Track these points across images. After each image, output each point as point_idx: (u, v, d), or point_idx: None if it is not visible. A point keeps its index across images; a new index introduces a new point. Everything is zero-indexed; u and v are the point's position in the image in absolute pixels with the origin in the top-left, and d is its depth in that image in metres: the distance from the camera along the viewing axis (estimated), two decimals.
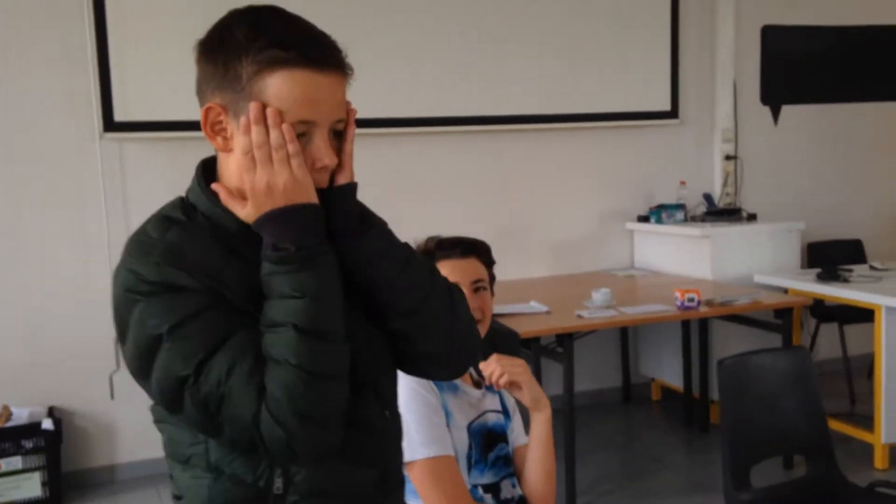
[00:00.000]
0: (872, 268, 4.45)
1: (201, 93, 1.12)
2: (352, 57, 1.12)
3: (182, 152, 4.07)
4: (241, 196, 1.12)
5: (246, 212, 1.11)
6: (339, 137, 1.14)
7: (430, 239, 1.92)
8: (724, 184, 5.17)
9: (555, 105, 4.78)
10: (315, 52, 1.07)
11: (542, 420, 1.88)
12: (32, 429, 3.75)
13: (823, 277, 4.18)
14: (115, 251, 4.00)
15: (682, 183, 5.00)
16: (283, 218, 1.07)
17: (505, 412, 1.95)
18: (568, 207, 4.95)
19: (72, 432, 4.01)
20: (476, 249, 1.92)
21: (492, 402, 1.93)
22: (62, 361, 3.96)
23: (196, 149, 4.51)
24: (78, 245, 4.00)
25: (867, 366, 5.08)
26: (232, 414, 1.04)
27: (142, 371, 1.08)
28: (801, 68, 5.36)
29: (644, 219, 4.97)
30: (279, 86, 1.05)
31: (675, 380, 4.77)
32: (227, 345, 1.04)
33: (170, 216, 1.14)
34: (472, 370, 1.94)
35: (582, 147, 4.95)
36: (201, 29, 1.15)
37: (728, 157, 5.18)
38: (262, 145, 1.07)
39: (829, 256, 5.02)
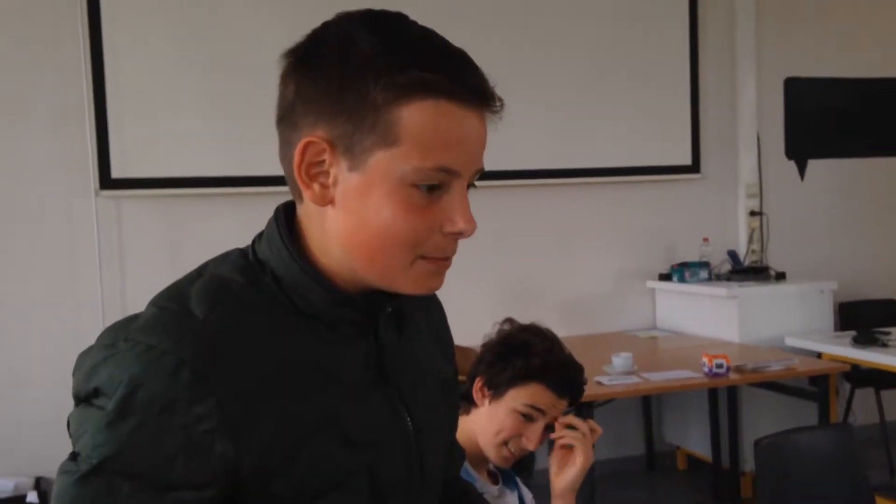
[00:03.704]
0: None
1: (292, 120, 0.82)
2: None
3: (182, 211, 3.95)
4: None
5: None
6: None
7: (549, 351, 1.62)
8: (750, 241, 4.95)
9: (572, 159, 4.61)
10: (469, 78, 0.81)
11: None
12: (17, 502, 3.54)
13: (860, 341, 3.92)
14: (109, 313, 3.86)
15: (706, 240, 4.78)
16: None
17: None
18: (586, 265, 4.74)
19: None
20: (577, 397, 1.68)
21: (510, 500, 1.70)
22: (51, 430, 3.75)
23: (198, 207, 4.36)
24: (69, 307, 3.83)
25: None
26: None
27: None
28: (827, 122, 5.17)
29: (666, 277, 4.74)
30: (421, 120, 0.79)
31: (702, 449, 4.48)
32: None
33: (226, 279, 0.84)
34: (489, 464, 1.72)
35: (600, 202, 4.76)
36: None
37: (753, 213, 4.97)
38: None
39: (862, 317, 4.76)
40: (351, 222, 0.82)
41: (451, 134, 0.80)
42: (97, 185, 3.82)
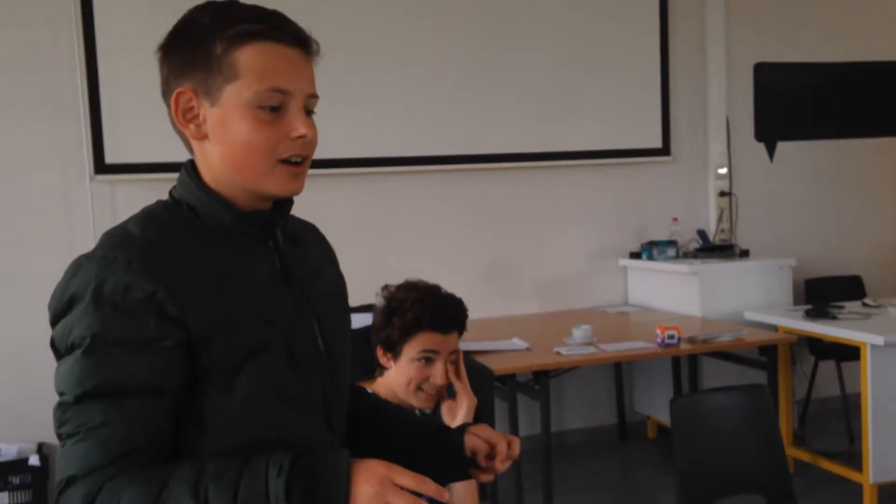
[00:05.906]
0: (865, 304, 4.40)
1: (168, 88, 1.14)
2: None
3: None
4: None
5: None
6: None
7: (418, 301, 1.86)
8: (719, 220, 5.16)
9: (545, 142, 4.82)
10: (284, 26, 1.12)
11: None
12: (20, 465, 3.81)
13: (812, 314, 4.14)
14: None
15: (675, 220, 4.99)
16: None
17: None
18: (561, 244, 4.96)
19: None
20: (462, 325, 1.91)
21: None
22: (52, 399, 4.01)
23: None
24: None
25: None
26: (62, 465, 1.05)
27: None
28: (795, 105, 5.35)
29: (636, 255, 4.97)
30: (252, 57, 1.09)
31: (668, 417, 4.70)
32: (130, 400, 1.03)
33: (154, 211, 1.14)
34: (418, 411, 1.95)
35: (574, 184, 4.96)
36: None
37: (722, 194, 5.17)
38: None
39: (827, 293, 4.96)
40: (222, 147, 1.11)
41: (277, 63, 1.10)
42: (92, 171, 4.06)
